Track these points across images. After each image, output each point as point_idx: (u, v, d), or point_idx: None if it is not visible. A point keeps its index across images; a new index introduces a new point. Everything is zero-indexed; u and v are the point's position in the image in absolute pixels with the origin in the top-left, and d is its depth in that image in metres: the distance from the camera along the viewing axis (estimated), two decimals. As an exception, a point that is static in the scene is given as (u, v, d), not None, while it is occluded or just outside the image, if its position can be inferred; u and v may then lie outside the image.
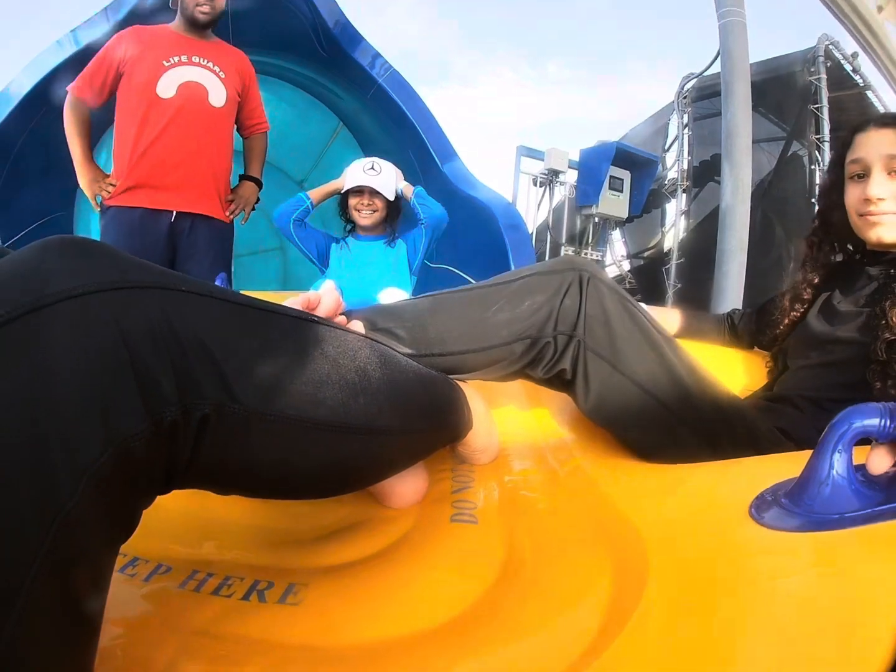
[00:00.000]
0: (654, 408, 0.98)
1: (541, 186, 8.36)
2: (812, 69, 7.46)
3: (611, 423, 1.02)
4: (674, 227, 8.74)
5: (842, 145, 1.22)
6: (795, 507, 0.56)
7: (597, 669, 0.53)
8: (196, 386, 0.53)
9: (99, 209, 2.52)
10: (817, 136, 7.43)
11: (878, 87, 7.61)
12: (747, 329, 1.49)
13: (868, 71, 7.66)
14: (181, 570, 0.74)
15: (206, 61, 2.51)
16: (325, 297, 0.81)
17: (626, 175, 8.17)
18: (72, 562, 0.43)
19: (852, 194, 1.17)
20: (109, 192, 2.44)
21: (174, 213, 2.46)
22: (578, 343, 0.96)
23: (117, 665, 0.57)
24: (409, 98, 4.25)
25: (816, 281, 1.28)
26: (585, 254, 8.47)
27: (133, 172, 2.42)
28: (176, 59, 2.45)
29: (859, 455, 0.55)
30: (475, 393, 1.04)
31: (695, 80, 8.51)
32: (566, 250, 8.38)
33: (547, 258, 8.17)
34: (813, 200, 7.01)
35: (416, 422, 0.82)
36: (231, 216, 2.68)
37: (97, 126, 2.66)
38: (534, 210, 8.47)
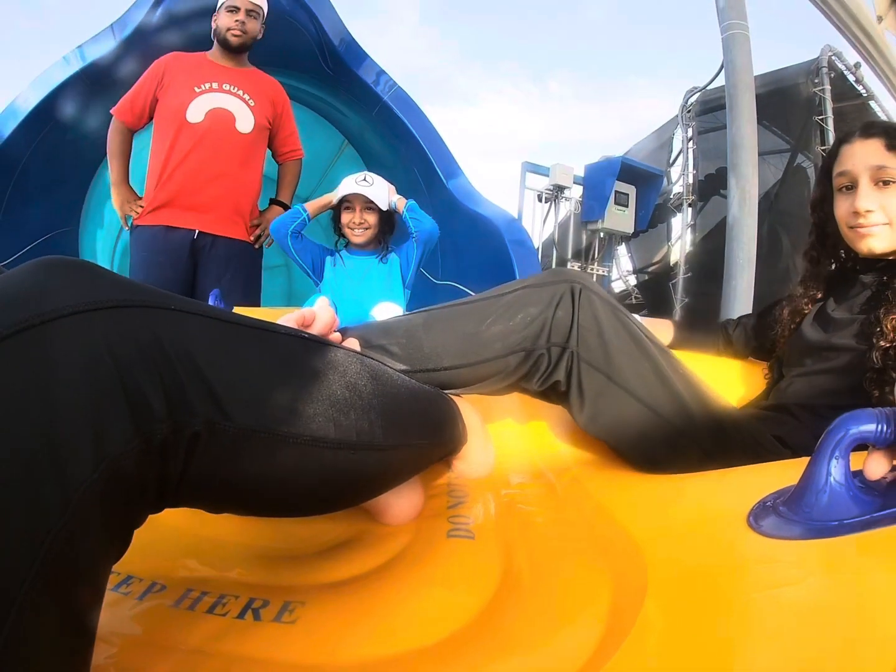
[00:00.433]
0: (649, 418, 0.98)
1: (546, 202, 8.37)
2: (815, 80, 7.47)
3: (606, 434, 1.02)
4: (680, 241, 8.73)
5: (829, 157, 1.23)
6: (794, 514, 0.56)
7: (596, 684, 0.52)
8: (186, 404, 0.53)
9: (128, 228, 2.63)
10: (823, 148, 7.43)
11: (880, 97, 7.63)
12: (742, 339, 1.49)
13: (870, 81, 7.68)
14: (175, 589, 0.74)
15: (235, 88, 2.61)
16: (319, 314, 0.82)
17: (631, 190, 8.20)
18: (63, 581, 0.43)
19: (841, 207, 1.18)
20: (138, 213, 2.55)
21: (196, 231, 2.56)
22: (572, 354, 0.97)
23: (111, 684, 0.57)
24: (414, 115, 4.26)
25: (819, 295, 1.28)
26: (591, 269, 8.48)
27: (160, 193, 2.53)
28: (207, 85, 2.56)
29: (857, 461, 0.55)
30: (470, 407, 1.05)
31: (698, 94, 8.53)
32: (572, 266, 8.39)
33: (552, 274, 8.23)
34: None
35: (409, 437, 0.82)
36: (255, 241, 2.76)
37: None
38: (539, 226, 8.49)
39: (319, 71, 4.10)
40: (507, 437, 1.19)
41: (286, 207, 2.85)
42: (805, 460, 0.58)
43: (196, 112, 2.53)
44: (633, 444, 1.01)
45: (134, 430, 0.48)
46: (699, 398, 1.03)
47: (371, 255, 2.53)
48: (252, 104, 2.63)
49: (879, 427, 0.52)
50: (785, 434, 1.07)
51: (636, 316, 1.11)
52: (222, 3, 2.61)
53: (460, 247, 4.30)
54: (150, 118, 2.63)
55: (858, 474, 0.55)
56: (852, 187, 1.15)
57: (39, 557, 0.40)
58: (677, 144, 9.18)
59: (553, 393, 1.03)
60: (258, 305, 2.62)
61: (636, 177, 8.11)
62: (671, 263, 9.18)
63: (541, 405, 1.13)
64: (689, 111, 8.67)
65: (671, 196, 8.99)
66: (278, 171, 2.92)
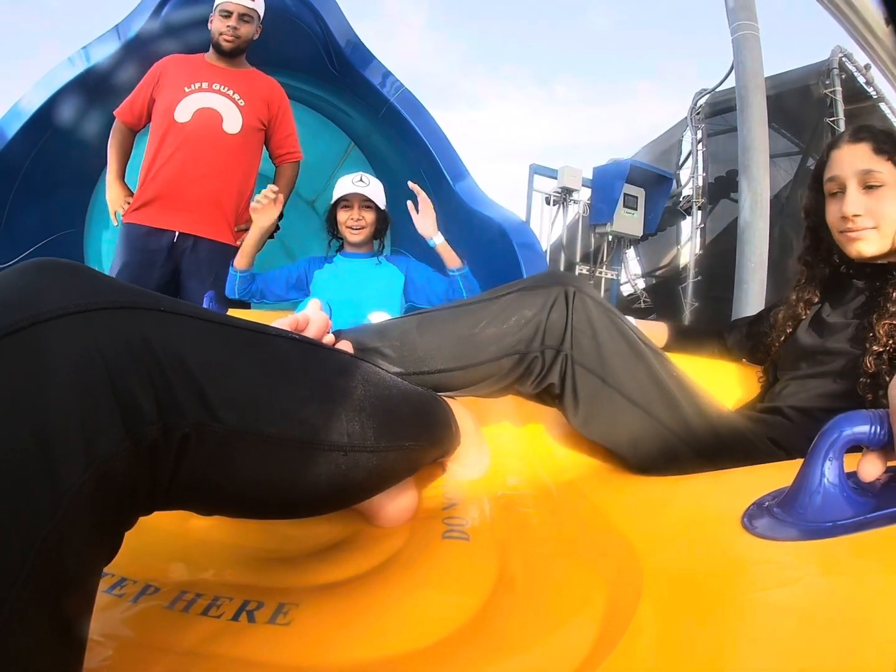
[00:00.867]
0: (643, 420, 0.99)
1: (554, 205, 8.35)
2: (827, 82, 7.42)
3: (600, 436, 1.03)
4: (690, 243, 8.69)
5: (820, 163, 1.23)
6: (788, 516, 0.56)
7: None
8: (176, 406, 0.53)
9: (117, 224, 2.64)
10: (835, 150, 7.36)
11: (890, 99, 7.58)
12: (737, 343, 1.50)
13: (880, 83, 7.64)
14: (169, 591, 0.74)
15: (226, 88, 2.62)
16: (313, 318, 0.83)
17: (640, 193, 8.15)
18: (54, 583, 0.44)
19: (831, 212, 1.19)
20: (125, 209, 2.57)
21: (176, 232, 2.56)
22: (566, 357, 0.98)
23: (105, 686, 0.57)
24: (421, 117, 4.22)
25: (816, 300, 1.28)
26: (600, 273, 8.45)
27: (144, 191, 2.55)
28: (197, 85, 2.58)
29: (851, 463, 0.55)
30: (464, 409, 1.05)
31: (707, 96, 8.49)
32: (580, 269, 8.37)
33: (560, 278, 8.19)
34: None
35: (402, 439, 0.82)
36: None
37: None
38: (547, 229, 8.46)
39: (325, 72, 4.07)
40: (502, 439, 1.19)
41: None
42: (799, 462, 0.58)
43: (184, 111, 2.55)
44: (628, 446, 1.02)
45: (124, 432, 0.49)
46: (693, 400, 1.03)
47: (367, 258, 2.53)
48: (242, 104, 2.65)
49: (873, 428, 0.53)
50: (779, 436, 1.08)
51: (630, 318, 1.12)
52: (217, 6, 2.62)
53: (467, 250, 4.26)
54: (149, 119, 2.66)
55: (852, 475, 0.55)
56: (841, 192, 1.15)
57: (30, 559, 0.41)
58: (686, 147, 9.16)
59: (547, 395, 1.04)
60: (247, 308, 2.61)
61: (645, 179, 8.06)
62: (680, 267, 9.14)
63: (535, 407, 1.13)
64: (698, 113, 8.63)
65: (680, 199, 8.95)
66: (275, 173, 2.91)
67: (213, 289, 2.52)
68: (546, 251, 7.61)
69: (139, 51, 3.38)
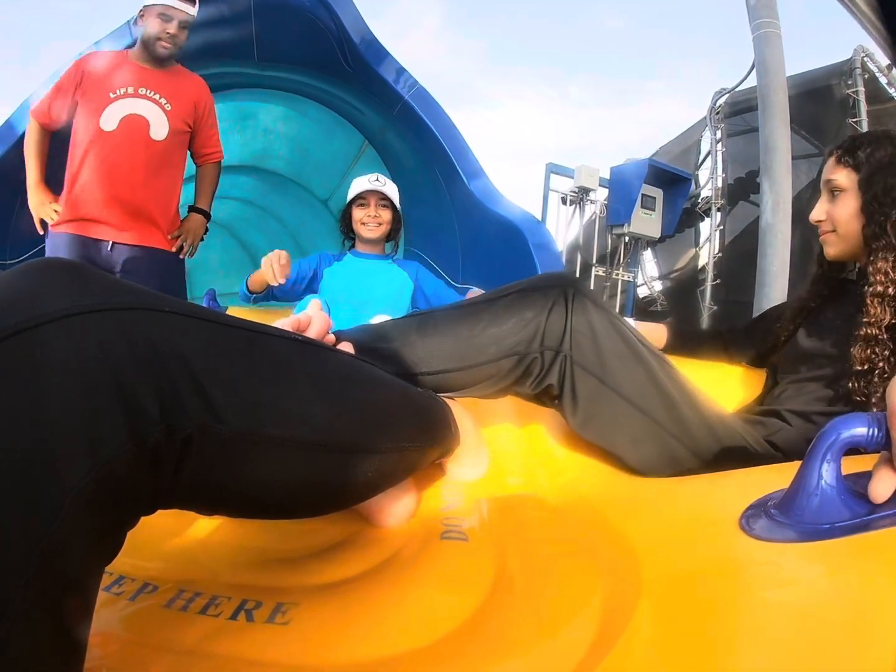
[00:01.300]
0: (641, 421, 1.00)
1: (570, 205, 8.31)
2: (849, 82, 7.34)
3: (599, 437, 1.04)
4: (709, 245, 8.61)
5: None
6: (786, 517, 0.57)
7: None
8: (180, 407, 0.54)
9: (42, 232, 2.57)
10: (858, 152, 7.27)
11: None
12: (737, 344, 1.53)
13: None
14: (168, 590, 0.75)
15: (152, 93, 2.54)
16: (314, 318, 0.83)
17: (658, 193, 8.09)
18: (57, 584, 0.44)
19: None
20: (54, 218, 2.50)
21: (111, 243, 2.52)
22: (565, 358, 0.99)
23: (104, 685, 0.58)
24: (435, 114, 4.18)
25: (826, 293, 1.32)
26: (617, 274, 8.41)
27: (73, 205, 2.49)
28: (122, 90, 2.49)
29: (848, 465, 0.56)
30: (463, 410, 1.06)
31: (727, 96, 8.42)
32: (597, 271, 8.33)
33: (577, 279, 8.15)
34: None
35: (402, 439, 0.83)
36: (178, 251, 2.73)
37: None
38: (563, 229, 8.41)
39: (339, 69, 4.06)
40: (501, 440, 1.20)
41: (205, 214, 2.89)
42: (797, 464, 0.59)
43: (110, 119, 2.47)
44: (626, 447, 1.03)
45: (128, 433, 0.49)
46: (692, 402, 1.04)
47: (379, 259, 2.54)
48: (169, 109, 2.58)
49: (871, 431, 0.53)
50: (777, 438, 1.10)
51: (629, 320, 1.14)
52: (153, 4, 2.49)
53: (481, 249, 4.25)
54: (68, 120, 2.56)
55: (850, 478, 0.56)
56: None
57: (33, 561, 0.41)
58: (705, 147, 9.08)
59: (546, 396, 1.05)
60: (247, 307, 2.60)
61: (663, 180, 8.00)
62: (698, 269, 9.07)
63: (535, 408, 1.14)
64: (717, 113, 8.55)
65: (699, 200, 8.88)
66: (196, 173, 2.88)
67: None
68: (562, 252, 7.56)
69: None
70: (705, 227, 8.91)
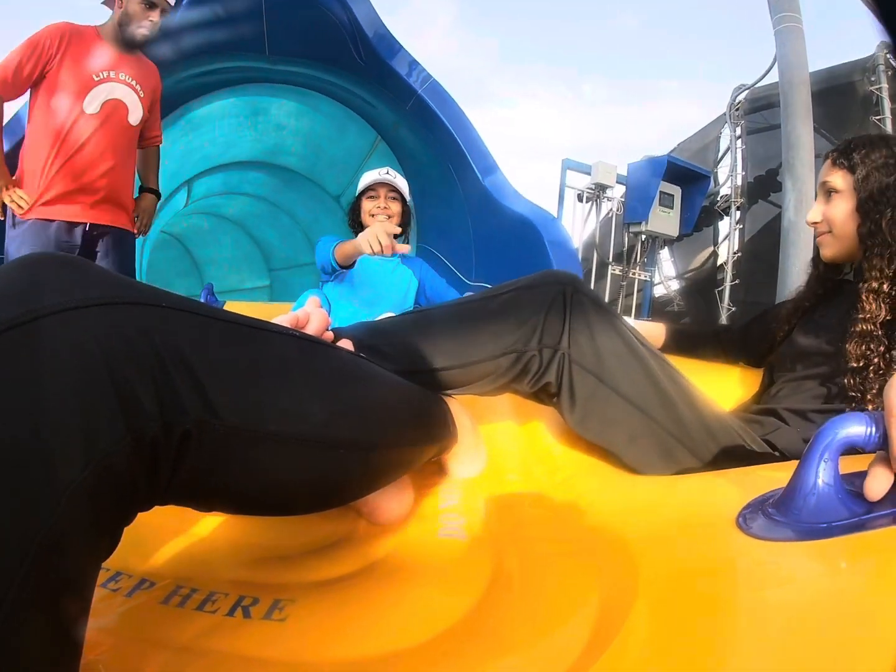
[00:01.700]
0: (639, 420, 1.01)
1: (587, 202, 8.27)
2: (872, 78, 7.24)
3: (596, 434, 1.05)
4: (728, 245, 8.51)
5: None
6: (783, 517, 0.57)
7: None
8: (177, 402, 0.54)
9: (3, 218, 2.51)
10: (882, 150, 7.16)
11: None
12: (734, 343, 1.54)
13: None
14: (165, 586, 0.76)
15: (129, 78, 2.58)
16: (313, 314, 0.83)
17: (676, 191, 8.03)
18: (53, 580, 0.44)
19: None
20: (22, 206, 2.45)
21: (87, 224, 2.54)
22: (563, 356, 1.00)
23: (100, 681, 0.58)
24: (449, 109, 4.15)
25: (822, 292, 1.34)
26: (633, 273, 8.36)
27: (50, 186, 2.47)
28: (105, 74, 2.51)
29: (846, 464, 0.56)
30: (461, 407, 1.07)
31: (746, 92, 8.32)
32: (613, 269, 8.29)
33: (593, 277, 8.08)
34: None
35: (399, 436, 0.84)
36: (139, 231, 2.80)
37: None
38: (579, 226, 8.36)
39: (352, 63, 4.04)
40: (499, 438, 1.20)
41: (157, 194, 2.94)
42: (794, 463, 0.59)
43: (93, 102, 2.48)
44: (624, 445, 1.03)
45: (125, 428, 0.49)
46: (689, 401, 1.05)
47: (389, 258, 2.52)
48: (142, 95, 2.64)
49: (868, 430, 0.53)
50: (774, 437, 1.11)
51: (628, 319, 1.16)
52: None
53: (495, 247, 4.23)
54: (27, 89, 2.47)
55: (847, 477, 0.56)
56: None
57: (29, 557, 0.41)
58: (723, 145, 8.97)
59: (544, 394, 1.05)
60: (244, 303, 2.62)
61: (682, 177, 7.94)
62: (716, 269, 8.98)
63: (533, 406, 1.14)
64: (737, 109, 8.46)
65: (718, 198, 8.79)
66: (141, 156, 2.87)
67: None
68: (577, 249, 7.52)
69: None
70: (724, 226, 8.82)
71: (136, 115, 2.62)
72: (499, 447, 1.16)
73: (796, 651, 0.43)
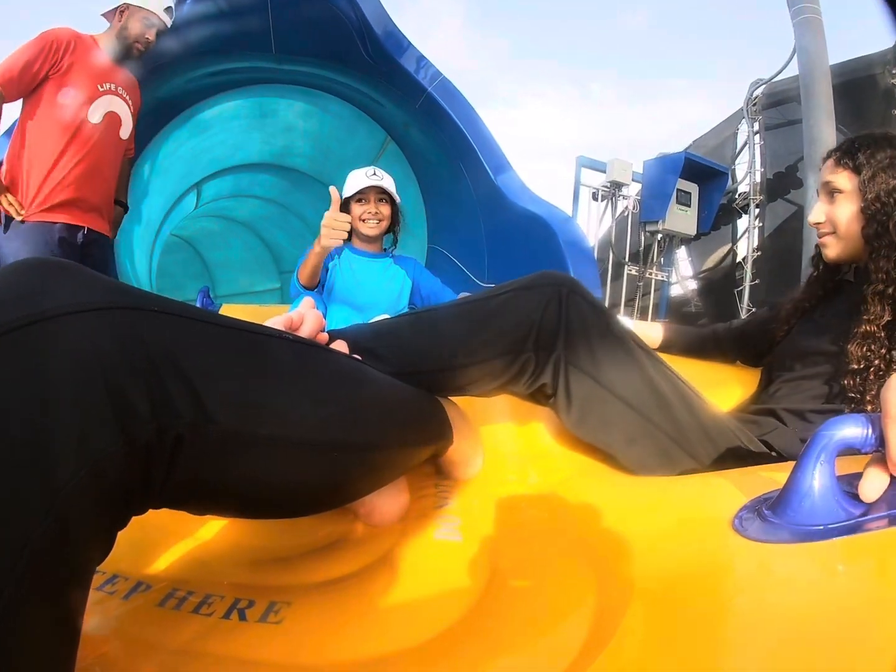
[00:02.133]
0: (636, 421, 1.01)
1: (602, 200, 8.20)
2: (893, 71, 7.13)
3: (593, 436, 1.05)
4: (747, 244, 8.40)
5: None
6: (779, 518, 0.57)
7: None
8: (171, 406, 0.54)
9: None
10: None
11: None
12: (733, 342, 1.55)
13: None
14: (161, 589, 0.77)
15: (124, 92, 2.68)
16: (307, 317, 0.84)
17: (693, 188, 7.92)
18: (47, 584, 0.45)
19: None
20: (20, 213, 2.46)
21: (86, 228, 2.63)
22: (559, 358, 1.00)
23: (97, 685, 0.59)
24: (459, 106, 4.13)
25: (822, 293, 1.35)
26: (650, 273, 8.30)
27: (54, 192, 2.51)
28: (107, 86, 2.60)
29: (842, 465, 0.56)
30: (457, 408, 1.07)
31: (764, 86, 8.23)
32: (629, 269, 8.24)
33: (609, 277, 8.05)
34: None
35: (395, 438, 0.84)
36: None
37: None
38: (595, 225, 8.29)
39: (360, 61, 4.05)
40: (496, 439, 1.20)
41: (125, 206, 3.04)
42: (791, 464, 0.59)
43: (97, 113, 2.58)
44: (620, 446, 1.04)
45: (119, 431, 0.50)
46: (686, 401, 1.05)
47: (379, 259, 2.54)
48: (133, 110, 2.77)
49: (865, 432, 0.54)
50: (772, 438, 1.11)
51: (626, 319, 1.17)
52: (139, 7, 2.61)
53: (509, 247, 4.20)
54: (29, 92, 2.46)
55: (844, 479, 0.56)
56: None
57: (23, 560, 0.42)
58: (740, 141, 8.85)
59: (541, 395, 1.05)
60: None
61: (699, 174, 7.82)
62: (735, 269, 8.88)
63: (529, 407, 1.14)
64: (754, 105, 8.35)
65: (736, 196, 8.70)
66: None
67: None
68: (592, 248, 7.45)
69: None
70: (742, 224, 8.71)
71: (126, 129, 2.73)
72: (496, 448, 1.17)
73: (792, 653, 0.44)
